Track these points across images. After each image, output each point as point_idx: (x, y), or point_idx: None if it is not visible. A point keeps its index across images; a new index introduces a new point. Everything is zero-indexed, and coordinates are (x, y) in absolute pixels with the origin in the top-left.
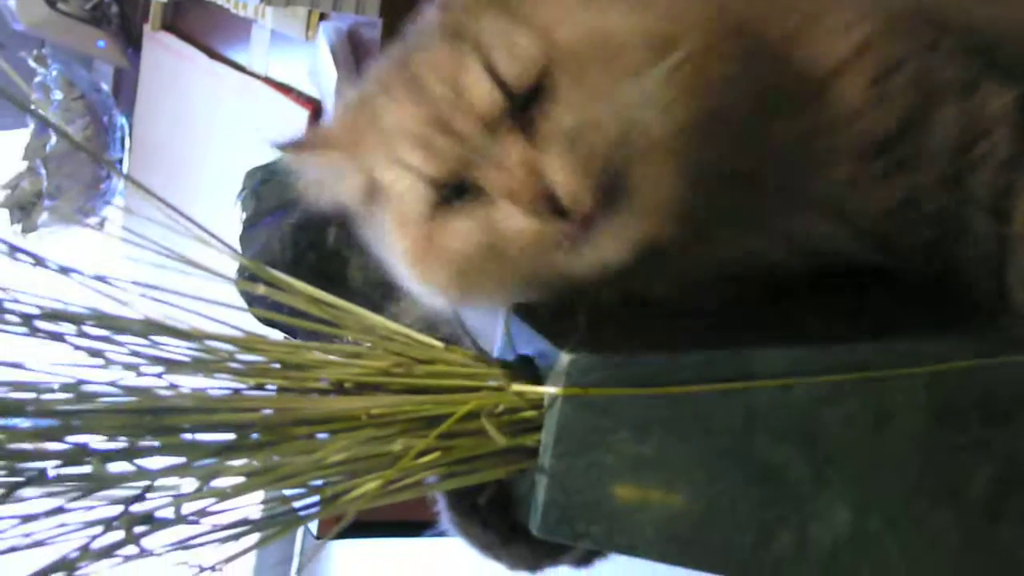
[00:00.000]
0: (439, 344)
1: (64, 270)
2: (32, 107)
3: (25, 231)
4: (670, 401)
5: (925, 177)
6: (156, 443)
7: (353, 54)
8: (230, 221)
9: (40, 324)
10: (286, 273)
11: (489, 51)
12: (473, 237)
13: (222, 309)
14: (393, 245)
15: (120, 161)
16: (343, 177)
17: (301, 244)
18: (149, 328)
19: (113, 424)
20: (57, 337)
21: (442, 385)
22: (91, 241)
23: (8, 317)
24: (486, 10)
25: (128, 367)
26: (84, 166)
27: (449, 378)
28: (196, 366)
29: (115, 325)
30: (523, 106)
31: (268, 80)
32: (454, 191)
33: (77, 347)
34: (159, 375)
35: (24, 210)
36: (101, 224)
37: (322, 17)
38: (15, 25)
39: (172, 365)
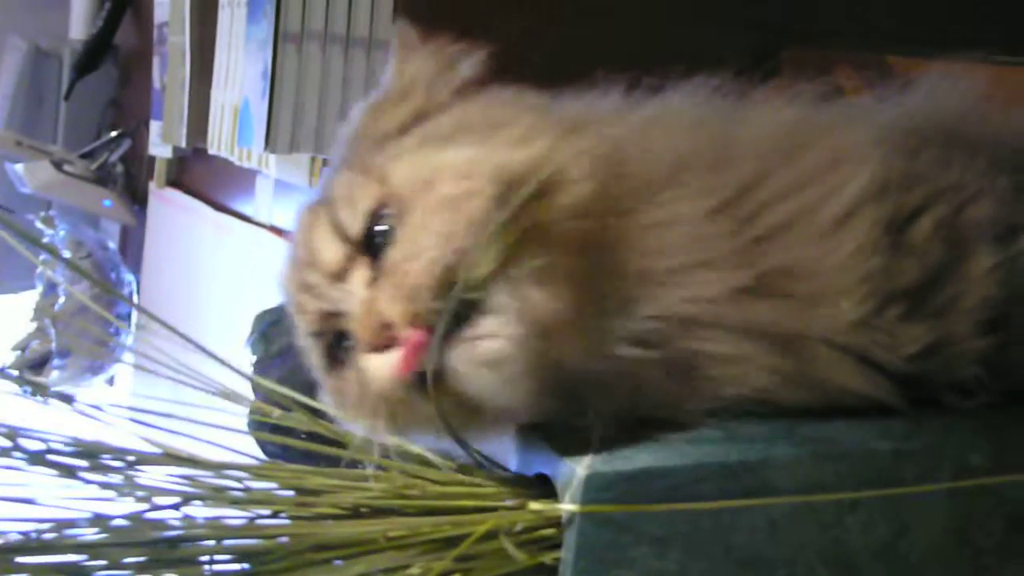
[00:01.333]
0: (451, 464)
1: (67, 398)
2: (40, 267)
3: (35, 393)
4: (690, 513)
5: (957, 322)
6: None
7: None
8: (239, 366)
9: (52, 459)
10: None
11: (335, 208)
12: (358, 384)
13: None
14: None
15: (128, 316)
16: None
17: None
18: (163, 459)
19: (130, 556)
20: (70, 472)
21: (458, 506)
22: (101, 397)
23: (17, 454)
24: (341, 171)
25: (142, 499)
26: (93, 325)
27: (465, 499)
28: (212, 495)
29: (127, 458)
30: (372, 252)
31: (273, 228)
32: (339, 342)
33: (89, 481)
34: (175, 506)
35: (34, 371)
36: (110, 382)
37: (325, 163)
38: (22, 189)
39: (186, 496)
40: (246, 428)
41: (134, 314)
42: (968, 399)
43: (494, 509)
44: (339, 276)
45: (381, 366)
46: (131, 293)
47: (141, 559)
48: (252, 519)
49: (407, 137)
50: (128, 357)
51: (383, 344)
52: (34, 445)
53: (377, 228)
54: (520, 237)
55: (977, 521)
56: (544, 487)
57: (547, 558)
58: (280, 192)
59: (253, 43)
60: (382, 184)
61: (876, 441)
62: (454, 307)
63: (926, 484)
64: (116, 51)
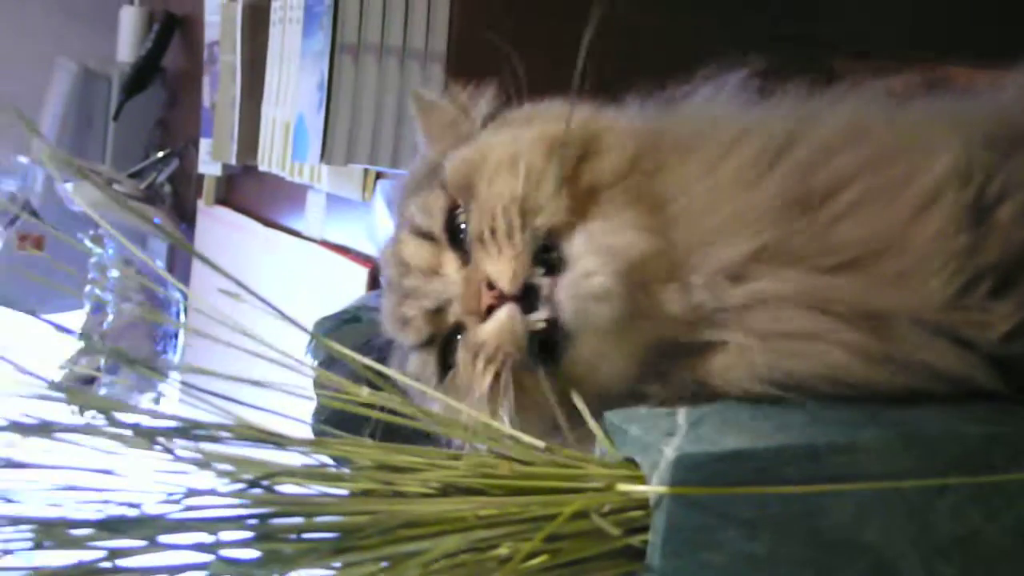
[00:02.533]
0: (540, 444)
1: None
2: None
3: (83, 410)
4: (780, 496)
5: None
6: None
7: None
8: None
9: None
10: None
11: (411, 220)
12: (473, 372)
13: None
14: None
15: (175, 335)
16: None
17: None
18: (253, 432)
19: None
20: (160, 446)
21: (546, 487)
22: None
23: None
24: (410, 196)
25: (226, 475)
26: (141, 342)
27: (553, 479)
28: (303, 472)
29: (214, 434)
30: (457, 246)
31: (325, 243)
32: (449, 346)
33: (178, 457)
34: (264, 483)
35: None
36: (157, 400)
37: (378, 177)
38: (71, 207)
39: (277, 472)
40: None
41: (181, 332)
42: None
43: (582, 490)
44: (433, 270)
45: (495, 324)
46: (178, 312)
47: (234, 535)
48: (341, 497)
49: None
50: (175, 375)
51: (490, 305)
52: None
53: (456, 223)
54: (583, 195)
55: None
56: (630, 471)
57: (635, 540)
58: (332, 206)
59: (308, 56)
60: (446, 187)
61: (965, 425)
62: (539, 239)
63: (1017, 470)
64: (164, 72)
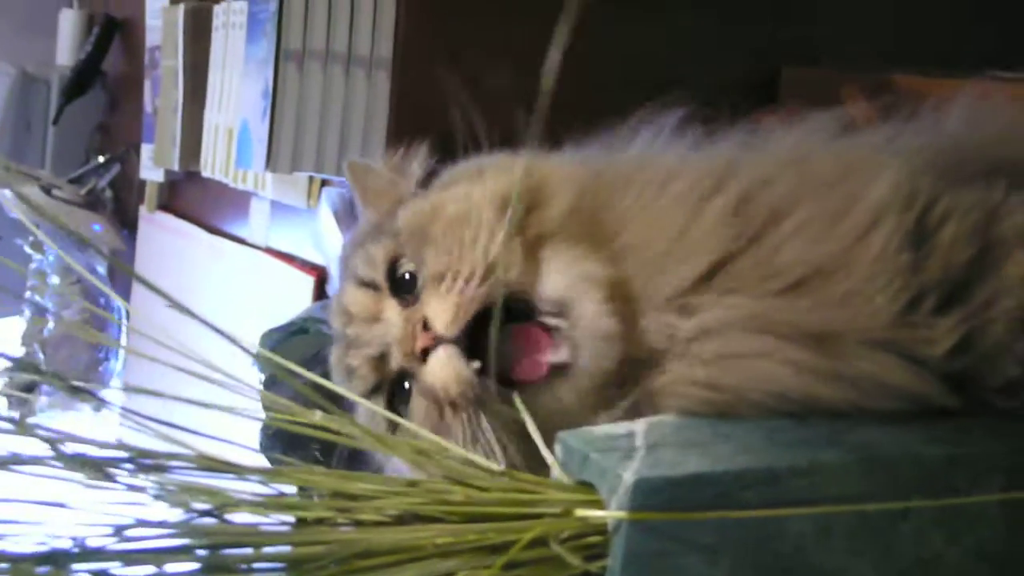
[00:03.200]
0: (497, 469)
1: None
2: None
3: (24, 417)
4: (740, 520)
5: (995, 320)
6: None
7: (357, 218)
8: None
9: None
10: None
11: (355, 271)
12: (424, 409)
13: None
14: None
15: (116, 347)
16: None
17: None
18: (200, 460)
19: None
20: (109, 477)
21: (504, 512)
22: (89, 423)
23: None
24: (355, 249)
25: (178, 504)
26: (81, 350)
27: (510, 505)
28: (254, 500)
29: (163, 463)
30: (399, 291)
31: (270, 250)
32: (396, 394)
33: (130, 487)
34: (213, 512)
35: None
36: (98, 409)
37: (324, 184)
38: (10, 213)
39: (227, 501)
40: (257, 447)
41: (123, 340)
42: (1015, 400)
43: (540, 516)
44: (375, 317)
45: (435, 364)
46: (120, 319)
47: (184, 566)
48: (293, 525)
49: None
50: (117, 382)
51: (424, 347)
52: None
53: (398, 273)
54: (533, 244)
55: None
56: (589, 495)
57: (593, 567)
58: (277, 214)
59: (253, 63)
60: (395, 237)
61: (925, 446)
62: (504, 290)
63: (978, 493)
64: (104, 76)
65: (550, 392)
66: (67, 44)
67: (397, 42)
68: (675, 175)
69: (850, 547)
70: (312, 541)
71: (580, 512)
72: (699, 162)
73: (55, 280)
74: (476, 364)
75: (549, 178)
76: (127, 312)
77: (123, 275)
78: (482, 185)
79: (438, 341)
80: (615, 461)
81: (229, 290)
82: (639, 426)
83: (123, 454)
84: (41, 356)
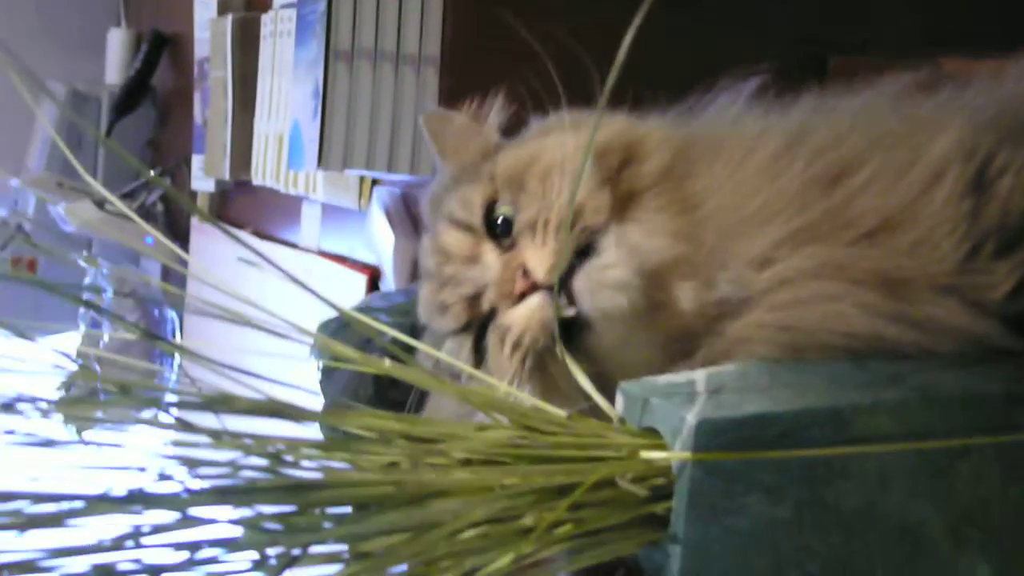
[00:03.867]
0: (562, 414)
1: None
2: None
3: (80, 431)
4: (802, 459)
5: None
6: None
7: (408, 215)
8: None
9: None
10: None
11: (450, 213)
12: (499, 351)
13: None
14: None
15: (172, 354)
16: None
17: (383, 380)
18: (267, 405)
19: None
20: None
21: (569, 455)
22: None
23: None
24: (448, 191)
25: (256, 446)
26: (139, 360)
27: (575, 448)
28: (326, 444)
29: (236, 406)
30: (495, 234)
31: (322, 253)
32: (483, 334)
33: (209, 431)
34: (285, 457)
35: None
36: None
37: (374, 184)
38: (65, 227)
39: (301, 443)
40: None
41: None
42: None
43: (605, 459)
44: (472, 259)
45: (525, 309)
46: (174, 329)
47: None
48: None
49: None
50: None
51: (522, 291)
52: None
53: (494, 215)
54: (623, 198)
55: None
56: (653, 440)
57: (658, 508)
58: (328, 217)
59: (302, 65)
60: (491, 181)
61: (985, 385)
62: (583, 236)
63: None
64: (153, 92)
65: (591, 347)
66: (116, 62)
67: (444, 39)
68: (757, 141)
69: (912, 486)
70: (383, 481)
71: (645, 454)
72: (777, 129)
73: (109, 293)
74: (572, 311)
75: (646, 137)
76: (180, 322)
77: (176, 285)
78: (577, 136)
79: (535, 287)
80: (677, 405)
81: (284, 295)
82: (700, 374)
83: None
84: (97, 370)
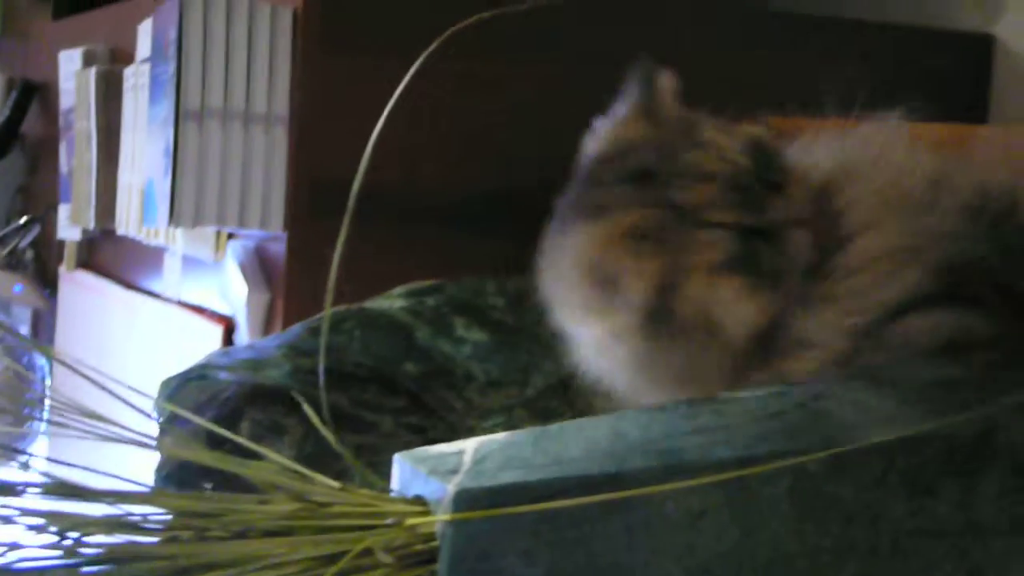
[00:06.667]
0: (336, 485)
1: None
2: None
3: None
4: (554, 524)
5: None
6: None
7: (261, 269)
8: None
9: None
10: None
11: None
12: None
13: None
14: None
15: (41, 401)
16: None
17: (216, 438)
18: (54, 488)
19: None
20: None
21: (341, 525)
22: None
23: None
24: None
25: (34, 528)
26: (4, 410)
27: (348, 518)
28: (104, 521)
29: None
30: None
31: (181, 303)
32: None
33: None
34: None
35: None
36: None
37: (230, 237)
38: None
39: (77, 522)
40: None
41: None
42: None
43: (375, 527)
44: None
45: None
46: (44, 377)
47: None
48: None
49: None
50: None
51: None
52: None
53: None
54: None
55: (815, 520)
56: (422, 507)
57: (425, 572)
58: (188, 267)
59: (156, 123)
60: None
61: (721, 450)
62: None
63: (767, 487)
64: (24, 139)
65: None
66: None
67: (293, 99)
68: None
69: (655, 545)
70: (160, 555)
71: (410, 521)
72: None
73: None
74: None
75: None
76: (50, 369)
77: (46, 333)
78: None
79: None
80: (441, 476)
81: (144, 344)
82: (470, 444)
83: None
84: None
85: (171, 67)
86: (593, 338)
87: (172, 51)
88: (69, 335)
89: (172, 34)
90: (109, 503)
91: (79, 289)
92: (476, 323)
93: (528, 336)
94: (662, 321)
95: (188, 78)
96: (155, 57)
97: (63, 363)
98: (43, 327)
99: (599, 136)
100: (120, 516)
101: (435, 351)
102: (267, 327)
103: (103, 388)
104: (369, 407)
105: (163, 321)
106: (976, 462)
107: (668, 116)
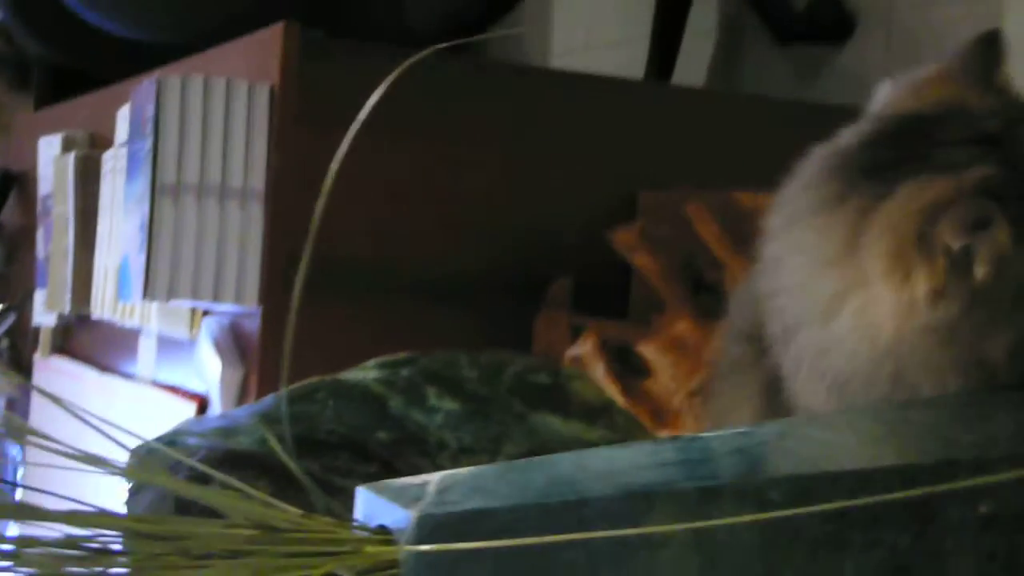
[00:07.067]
0: (297, 512)
1: None
2: None
3: None
4: (517, 550)
5: None
6: None
7: (236, 345)
8: None
9: None
10: None
11: None
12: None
13: None
14: None
15: (13, 488)
16: None
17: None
18: (12, 510)
19: None
20: None
21: (303, 551)
22: None
23: None
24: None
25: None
26: None
27: (309, 544)
28: (61, 544)
29: None
30: None
31: (156, 384)
32: None
33: None
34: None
35: None
36: None
37: (204, 314)
38: None
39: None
40: None
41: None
42: None
43: (336, 554)
44: None
45: None
46: (16, 466)
47: None
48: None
49: None
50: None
51: None
52: None
53: None
54: None
55: (778, 550)
56: (385, 537)
57: None
58: (162, 347)
59: (132, 199)
60: None
61: (683, 481)
62: None
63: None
64: (2, 229)
65: None
66: None
67: (268, 174)
68: None
69: (616, 574)
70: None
71: (370, 548)
72: None
73: None
74: None
75: None
76: (23, 456)
77: (22, 420)
78: None
79: None
80: (405, 503)
81: (119, 424)
82: (435, 476)
83: None
84: None
85: (148, 143)
86: (897, 304)
87: (149, 128)
88: (44, 421)
89: (150, 111)
90: (65, 523)
91: (54, 375)
92: (448, 393)
93: (500, 407)
94: (987, 294)
95: (165, 153)
96: (133, 135)
97: (36, 443)
98: (17, 414)
99: (902, 95)
100: (76, 537)
101: (408, 420)
102: (241, 402)
103: (76, 461)
104: (340, 472)
105: (138, 402)
106: (937, 495)
107: (1003, 86)
